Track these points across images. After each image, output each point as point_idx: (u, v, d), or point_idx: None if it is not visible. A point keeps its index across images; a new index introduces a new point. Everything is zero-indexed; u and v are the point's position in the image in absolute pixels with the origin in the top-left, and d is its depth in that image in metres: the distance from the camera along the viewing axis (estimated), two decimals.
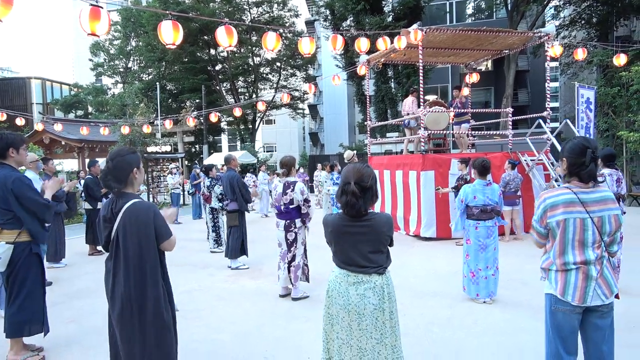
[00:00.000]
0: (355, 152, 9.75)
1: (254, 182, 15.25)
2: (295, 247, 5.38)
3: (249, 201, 7.30)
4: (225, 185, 7.19)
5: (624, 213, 5.20)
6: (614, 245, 2.60)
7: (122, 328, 2.60)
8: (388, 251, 2.60)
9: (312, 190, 17.47)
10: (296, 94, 34.43)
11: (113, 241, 2.62)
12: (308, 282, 5.60)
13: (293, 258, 5.38)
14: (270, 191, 16.75)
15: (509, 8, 22.83)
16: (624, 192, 5.48)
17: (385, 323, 2.48)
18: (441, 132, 10.46)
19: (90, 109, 36.95)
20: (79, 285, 6.40)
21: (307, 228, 5.45)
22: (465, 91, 12.91)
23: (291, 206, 5.28)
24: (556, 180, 8.93)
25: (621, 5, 20.23)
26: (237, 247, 7.08)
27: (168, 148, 23.77)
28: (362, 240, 2.48)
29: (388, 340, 2.48)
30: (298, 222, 5.33)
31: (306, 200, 5.28)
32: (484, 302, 5.08)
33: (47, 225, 3.91)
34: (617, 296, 2.58)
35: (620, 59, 11.08)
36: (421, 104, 9.65)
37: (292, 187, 5.25)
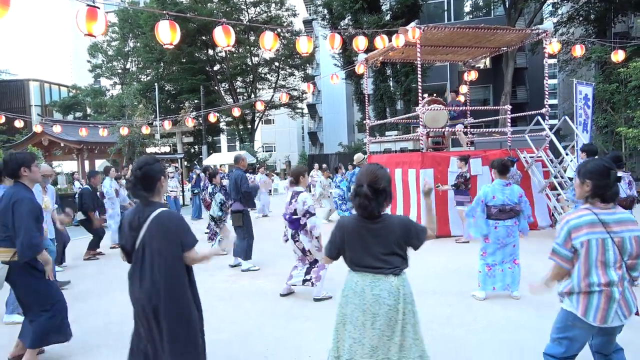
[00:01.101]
0: (366, 155, 9.63)
1: (252, 181, 15.22)
2: (311, 253, 5.30)
3: (252, 197, 7.21)
4: (231, 184, 7.16)
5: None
6: (636, 270, 2.56)
7: (151, 333, 2.63)
8: (406, 254, 2.59)
9: (308, 190, 17.46)
10: (295, 93, 34.46)
11: (139, 249, 2.64)
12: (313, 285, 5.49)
13: (315, 260, 5.30)
14: (270, 191, 16.76)
15: (507, 5, 22.85)
16: (636, 194, 5.47)
17: (398, 323, 2.48)
18: (440, 130, 10.46)
19: (88, 110, 37.01)
20: (79, 287, 6.39)
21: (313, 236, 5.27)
22: (464, 89, 12.93)
23: (294, 216, 5.24)
24: (555, 177, 8.93)
25: (619, 2, 20.24)
26: (248, 247, 7.06)
27: (167, 149, 23.80)
28: (376, 242, 2.50)
29: (402, 340, 2.49)
30: (302, 233, 5.22)
31: (307, 212, 5.14)
32: (510, 296, 5.05)
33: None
34: (637, 313, 2.59)
35: (618, 55, 11.10)
36: (419, 102, 9.66)
37: (296, 198, 5.21)
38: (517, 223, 5.12)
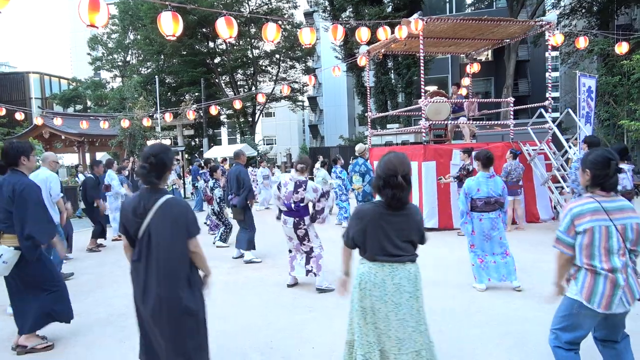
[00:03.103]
0: (367, 145, 9.62)
1: (254, 175, 15.21)
2: (309, 240, 5.35)
3: (250, 197, 7.23)
4: (231, 179, 7.16)
5: None
6: (636, 256, 2.65)
7: (158, 323, 2.62)
8: (414, 241, 2.61)
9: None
10: (296, 86, 34.32)
11: (144, 235, 2.62)
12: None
13: (311, 250, 5.36)
14: (271, 185, 16.72)
15: None
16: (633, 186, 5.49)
17: (419, 310, 2.51)
18: (442, 122, 10.43)
19: (89, 103, 36.89)
20: (81, 279, 6.41)
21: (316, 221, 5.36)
22: (466, 81, 12.88)
23: (301, 204, 5.27)
24: (558, 170, 8.92)
25: None
26: (251, 239, 7.08)
27: (168, 142, 23.75)
28: (397, 231, 2.49)
29: (422, 327, 2.52)
30: (307, 219, 5.29)
31: (323, 195, 5.22)
32: (514, 288, 5.07)
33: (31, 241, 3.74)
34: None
35: (622, 48, 11.02)
36: (422, 94, 9.62)
37: (303, 187, 5.21)
38: (500, 215, 5.18)
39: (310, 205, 5.32)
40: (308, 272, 5.35)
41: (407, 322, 2.46)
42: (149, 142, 19.50)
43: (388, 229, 2.48)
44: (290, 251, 5.59)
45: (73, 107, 37.67)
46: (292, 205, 5.28)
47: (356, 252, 2.70)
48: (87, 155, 21.39)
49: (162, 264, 2.60)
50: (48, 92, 38.37)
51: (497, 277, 5.13)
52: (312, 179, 9.56)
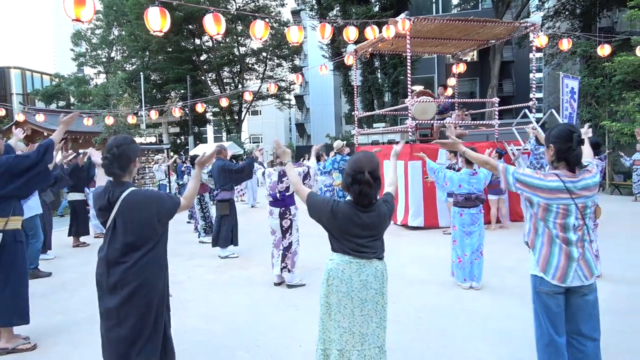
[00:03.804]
0: (345, 142, 9.71)
1: None
2: (290, 233, 5.42)
3: (250, 169, 7.18)
4: (215, 174, 7.14)
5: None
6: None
7: (121, 314, 2.60)
8: (382, 237, 2.64)
9: None
10: (282, 84, 34.21)
11: (109, 229, 2.61)
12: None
13: (290, 245, 5.41)
14: (258, 182, 16.64)
15: None
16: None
17: (384, 307, 2.55)
18: (428, 122, 10.50)
19: (72, 99, 36.26)
20: (64, 277, 6.32)
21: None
22: (452, 81, 12.98)
23: (287, 193, 5.33)
24: (540, 169, 9.05)
25: None
26: (228, 236, 7.08)
27: (153, 139, 23.52)
28: (366, 229, 2.51)
29: (385, 324, 2.56)
30: (293, 209, 5.39)
31: (305, 178, 5.17)
32: (471, 287, 5.18)
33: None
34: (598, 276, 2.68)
35: (604, 50, 11.22)
36: (408, 94, 9.69)
37: (287, 175, 5.21)
38: (481, 211, 5.29)
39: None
40: (282, 269, 5.43)
41: (371, 318, 2.50)
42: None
43: (357, 227, 2.50)
44: (272, 254, 5.62)
45: (56, 103, 37.01)
46: (278, 195, 5.34)
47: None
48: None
49: (129, 255, 2.57)
50: (30, 88, 37.69)
51: (470, 278, 5.24)
52: None
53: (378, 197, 2.60)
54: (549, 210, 2.58)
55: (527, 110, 9.79)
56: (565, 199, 2.55)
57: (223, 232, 7.07)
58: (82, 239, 8.64)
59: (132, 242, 2.57)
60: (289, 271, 5.42)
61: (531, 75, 10.37)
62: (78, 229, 8.47)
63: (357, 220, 2.49)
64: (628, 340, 3.73)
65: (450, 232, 5.49)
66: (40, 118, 19.02)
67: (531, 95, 10.18)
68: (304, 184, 5.18)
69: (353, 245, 2.51)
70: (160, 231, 2.68)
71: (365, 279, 2.49)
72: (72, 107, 34.01)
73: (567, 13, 22.52)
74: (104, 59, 37.05)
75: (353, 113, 12.97)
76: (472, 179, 5.22)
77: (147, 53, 32.61)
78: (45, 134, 20.29)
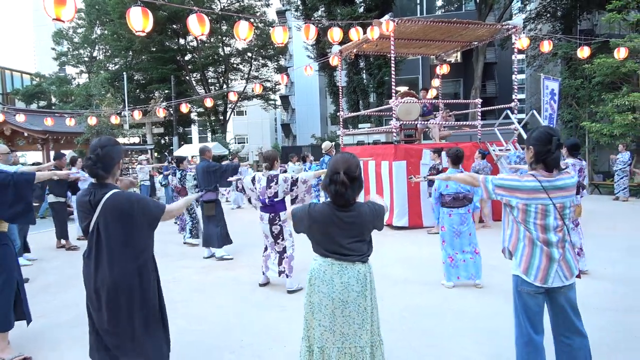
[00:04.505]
0: (333, 143, 9.72)
1: None
2: (283, 238, 5.32)
3: (234, 172, 7.17)
4: (199, 175, 7.11)
5: (581, 197, 5.57)
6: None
7: (110, 318, 2.56)
8: (370, 240, 2.64)
9: None
10: (268, 84, 34.12)
11: (93, 232, 2.57)
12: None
13: (284, 249, 5.32)
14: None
15: (478, 1, 23.20)
16: (586, 181, 5.73)
17: (367, 309, 2.55)
18: (413, 122, 10.59)
19: (54, 99, 35.71)
20: (46, 280, 6.23)
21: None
22: (436, 82, 13.10)
23: (275, 199, 5.20)
24: (516, 171, 9.18)
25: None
26: (222, 235, 7.05)
27: (137, 139, 23.27)
28: (348, 229, 2.51)
29: (368, 326, 2.56)
30: (282, 215, 5.25)
31: (294, 183, 5.13)
32: (475, 285, 5.21)
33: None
34: (578, 276, 2.74)
35: (584, 52, 11.43)
36: (393, 94, 9.75)
37: (275, 180, 5.15)
38: (470, 211, 5.33)
39: (287, 198, 5.26)
40: (280, 272, 5.33)
41: (352, 319, 2.51)
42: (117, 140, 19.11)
43: (337, 228, 2.51)
44: (265, 249, 5.56)
45: (36, 103, 36.40)
46: (267, 200, 5.24)
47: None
48: (52, 153, 20.73)
49: (115, 257, 2.54)
50: (10, 88, 36.98)
51: (466, 276, 5.26)
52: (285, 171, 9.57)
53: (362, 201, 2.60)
54: (528, 212, 2.63)
55: (509, 112, 9.93)
56: (542, 199, 2.60)
57: (217, 232, 7.02)
58: (74, 242, 8.51)
59: (114, 246, 2.54)
60: (287, 276, 5.30)
61: (513, 76, 10.48)
62: (61, 231, 8.33)
63: (336, 220, 2.50)
64: (608, 337, 3.81)
65: (438, 232, 5.52)
66: (20, 118, 18.72)
67: (513, 97, 10.30)
68: (291, 191, 5.19)
69: (335, 247, 2.52)
70: (145, 236, 2.65)
71: (347, 281, 2.50)
72: (53, 107, 33.46)
73: (548, 15, 22.91)
74: (86, 59, 36.55)
75: (338, 113, 13.01)
76: None
77: (131, 53, 32.26)
78: (26, 134, 19.98)
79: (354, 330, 2.52)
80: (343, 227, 2.50)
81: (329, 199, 2.57)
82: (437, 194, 5.36)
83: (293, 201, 5.22)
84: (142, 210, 2.60)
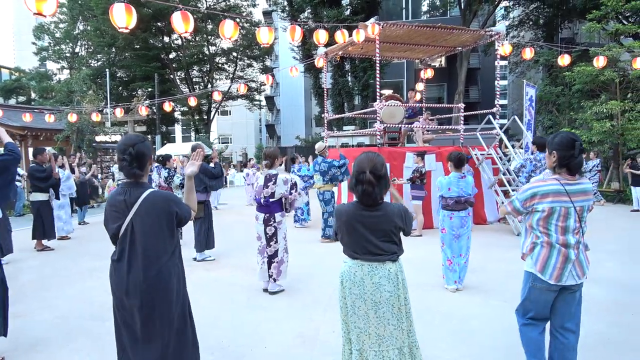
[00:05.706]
0: (326, 143, 9.61)
1: None
2: (276, 241, 5.19)
3: (219, 175, 7.10)
4: None
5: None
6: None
7: (145, 321, 2.49)
8: (400, 240, 2.64)
9: None
10: (253, 85, 34.00)
11: (126, 233, 2.49)
12: (285, 278, 5.42)
13: (275, 253, 5.20)
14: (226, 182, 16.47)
15: (462, 7, 23.50)
16: None
17: (401, 309, 2.54)
18: (397, 125, 10.66)
19: (33, 95, 35.03)
20: (25, 280, 6.10)
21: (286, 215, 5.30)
22: (420, 86, 13.23)
23: (272, 199, 5.10)
24: (504, 174, 9.32)
25: (565, 8, 21.29)
26: (203, 239, 6.97)
27: (118, 137, 22.90)
28: (375, 229, 2.52)
29: (404, 326, 2.55)
30: (278, 216, 5.16)
31: (293, 187, 5.10)
32: (456, 289, 5.24)
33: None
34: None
35: (564, 60, 11.67)
36: (377, 97, 9.82)
37: (273, 180, 5.06)
38: (470, 214, 5.36)
39: (284, 199, 5.22)
40: (269, 277, 5.25)
41: (387, 320, 2.50)
42: (98, 138, 18.82)
43: (365, 228, 2.52)
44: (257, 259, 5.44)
45: (15, 98, 35.65)
46: (262, 200, 5.15)
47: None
48: (30, 150, 20.32)
49: (149, 259, 2.48)
50: None
51: (460, 281, 5.31)
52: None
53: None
54: (552, 215, 2.72)
55: (491, 117, 10.07)
56: (565, 202, 2.70)
57: (199, 236, 6.95)
58: (47, 243, 8.28)
59: (150, 247, 2.49)
60: (275, 280, 5.23)
61: (496, 82, 10.64)
62: (45, 231, 8.08)
63: (363, 220, 2.52)
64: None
65: (439, 235, 5.51)
66: None
67: (496, 102, 10.45)
68: (290, 194, 5.14)
69: (363, 247, 2.53)
70: (176, 236, 2.62)
71: (378, 281, 2.50)
72: (32, 103, 32.83)
73: (531, 23, 23.34)
74: (67, 54, 35.88)
75: (323, 115, 13.04)
76: (460, 182, 5.27)
77: (114, 49, 31.79)
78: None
79: (390, 332, 2.51)
80: (370, 226, 2.52)
81: (354, 199, 2.59)
82: (439, 197, 5.38)
83: (287, 204, 5.22)
84: (178, 209, 2.57)
